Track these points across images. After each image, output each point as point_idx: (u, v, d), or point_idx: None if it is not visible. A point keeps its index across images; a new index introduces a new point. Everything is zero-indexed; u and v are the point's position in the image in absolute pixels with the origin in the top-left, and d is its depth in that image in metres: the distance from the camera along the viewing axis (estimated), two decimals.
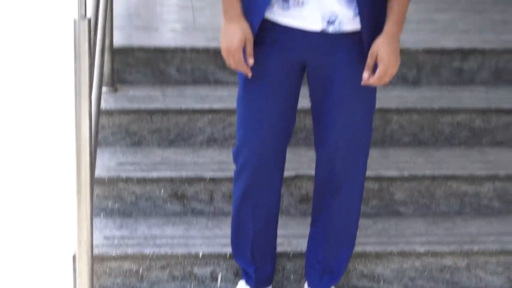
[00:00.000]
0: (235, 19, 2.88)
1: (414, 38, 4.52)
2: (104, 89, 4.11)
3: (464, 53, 4.49)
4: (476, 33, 4.72)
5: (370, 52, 2.87)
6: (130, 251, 3.47)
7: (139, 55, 4.36)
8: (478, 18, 4.97)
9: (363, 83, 2.90)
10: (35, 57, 6.16)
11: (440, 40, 4.58)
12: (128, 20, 4.75)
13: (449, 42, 4.57)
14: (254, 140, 3.05)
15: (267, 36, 2.92)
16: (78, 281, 3.01)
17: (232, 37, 2.88)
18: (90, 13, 3.34)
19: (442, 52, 4.48)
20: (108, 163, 3.83)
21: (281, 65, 2.96)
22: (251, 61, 2.90)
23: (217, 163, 3.86)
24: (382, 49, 2.85)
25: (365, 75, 2.89)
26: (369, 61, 2.88)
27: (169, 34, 4.60)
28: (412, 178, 3.84)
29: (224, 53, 2.92)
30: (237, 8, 2.88)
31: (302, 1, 2.86)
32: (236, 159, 3.12)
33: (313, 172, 3.31)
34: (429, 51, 4.47)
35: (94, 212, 3.67)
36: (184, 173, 3.76)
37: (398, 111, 4.18)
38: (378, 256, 3.54)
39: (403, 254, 3.56)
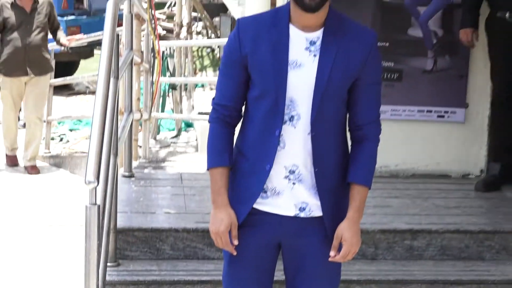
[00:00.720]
0: (222, 208, 2.93)
1: (372, 220, 4.55)
2: (108, 264, 4.10)
3: (414, 233, 4.53)
4: (423, 216, 4.75)
5: (335, 235, 2.91)
6: None
7: (138, 234, 4.39)
8: (425, 203, 5.00)
9: (330, 259, 2.93)
10: (49, 237, 6.14)
11: (393, 222, 4.63)
12: (129, 205, 4.78)
13: (401, 223, 4.61)
14: None
15: (249, 220, 2.95)
16: None
17: (220, 222, 2.92)
18: (99, 200, 3.38)
19: (395, 232, 4.52)
20: None
21: (260, 244, 2.98)
22: (235, 242, 2.94)
23: None
24: (346, 232, 2.90)
25: (332, 253, 2.92)
26: (335, 242, 2.92)
27: (163, 217, 4.63)
28: None
29: (212, 235, 2.95)
30: (224, 198, 2.93)
31: (278, 192, 2.93)
32: None
33: None
34: (384, 231, 4.50)
35: None
36: None
37: (359, 282, 4.22)
38: None
39: None
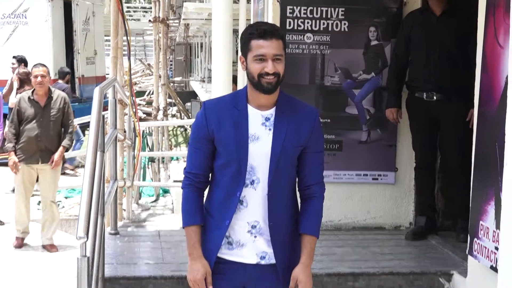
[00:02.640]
0: (198, 259, 2.91)
1: (319, 266, 4.51)
2: None
3: (355, 276, 4.49)
4: (363, 262, 4.72)
5: (292, 277, 2.92)
6: None
7: (123, 282, 4.34)
8: (364, 251, 4.96)
9: None
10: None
11: (338, 267, 4.59)
12: (115, 258, 4.71)
13: (344, 268, 4.57)
14: None
15: (219, 268, 2.94)
16: None
17: (196, 272, 2.90)
18: (89, 253, 3.32)
19: (340, 275, 4.48)
20: None
21: None
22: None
23: None
24: (301, 275, 2.91)
25: None
26: (292, 284, 2.93)
27: (144, 267, 4.56)
28: None
29: (190, 283, 2.93)
30: (198, 251, 2.92)
31: (242, 244, 2.93)
32: None
33: None
34: (330, 275, 4.46)
35: None
36: None
37: None
38: None
39: None
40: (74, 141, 7.66)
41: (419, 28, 5.26)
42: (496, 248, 3.88)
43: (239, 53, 2.95)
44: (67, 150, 7.40)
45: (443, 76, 5.14)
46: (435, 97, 5.19)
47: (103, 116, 4.18)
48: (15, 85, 9.37)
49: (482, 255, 4.04)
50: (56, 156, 6.97)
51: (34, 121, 6.97)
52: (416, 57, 5.28)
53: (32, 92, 7.08)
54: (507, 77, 3.79)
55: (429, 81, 5.19)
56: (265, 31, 2.82)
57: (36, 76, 6.99)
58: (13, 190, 9.47)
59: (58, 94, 7.12)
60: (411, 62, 5.34)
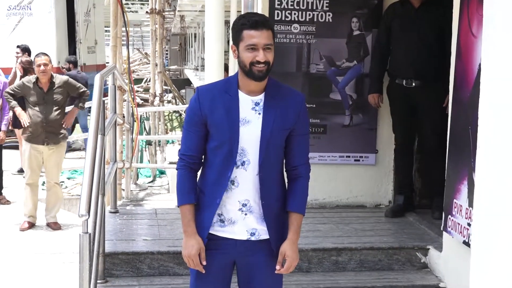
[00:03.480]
0: (192, 236, 2.90)
1: (305, 241, 4.52)
2: (98, 281, 3.99)
3: (339, 251, 4.50)
4: (345, 238, 4.73)
5: (280, 252, 2.91)
6: None
7: (122, 257, 4.32)
8: (346, 227, 4.98)
9: (276, 272, 2.90)
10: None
11: (322, 243, 4.59)
12: (114, 235, 4.70)
13: (328, 243, 4.57)
14: None
15: (211, 244, 2.93)
16: None
17: (191, 248, 2.89)
18: (90, 229, 3.31)
19: (324, 250, 4.49)
20: None
21: (221, 263, 2.95)
22: (204, 263, 2.91)
23: None
24: (288, 250, 2.91)
25: (277, 267, 2.91)
26: (280, 258, 2.92)
27: (142, 243, 4.55)
28: None
29: (185, 259, 2.92)
30: (193, 228, 2.90)
31: (233, 221, 2.92)
32: None
33: None
34: (315, 250, 4.48)
35: None
36: None
37: None
38: None
39: None
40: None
41: (399, 20, 5.26)
42: (469, 225, 3.89)
43: (231, 43, 2.93)
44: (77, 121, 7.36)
45: (421, 64, 5.15)
46: (413, 84, 5.19)
47: (103, 101, 4.15)
48: (18, 73, 9.28)
49: (456, 231, 4.06)
50: (69, 115, 7.00)
51: (38, 106, 6.91)
52: (396, 46, 5.29)
53: (36, 79, 7.02)
54: (479, 65, 3.79)
55: (408, 68, 5.20)
56: (257, 22, 2.80)
57: (39, 65, 6.92)
58: (19, 171, 9.44)
59: (60, 79, 7.07)
60: (391, 51, 5.34)
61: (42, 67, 6.88)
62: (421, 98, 5.19)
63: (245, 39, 2.80)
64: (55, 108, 6.92)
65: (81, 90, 7.11)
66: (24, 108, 6.97)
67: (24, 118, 6.88)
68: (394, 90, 5.34)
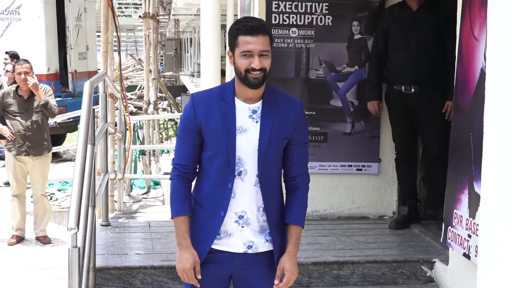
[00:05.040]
0: (187, 249, 2.88)
1: (305, 255, 4.51)
2: None
3: (340, 264, 4.49)
4: (347, 250, 4.73)
5: (278, 266, 2.90)
6: None
7: (114, 272, 4.31)
8: (348, 240, 4.98)
9: (274, 287, 2.89)
10: None
11: (323, 256, 4.59)
12: (106, 249, 4.69)
13: (329, 256, 4.56)
14: None
15: (207, 257, 2.90)
16: None
17: (185, 261, 2.87)
18: (79, 243, 3.30)
19: (325, 263, 4.47)
20: None
21: (217, 277, 2.94)
22: (199, 276, 2.89)
23: None
24: (287, 264, 2.89)
25: (276, 282, 2.89)
26: (278, 272, 2.90)
27: (135, 257, 4.54)
28: None
29: (179, 272, 2.90)
30: (187, 241, 2.88)
31: (229, 233, 2.90)
32: None
33: None
34: (316, 263, 4.46)
35: None
36: None
37: None
38: None
39: None
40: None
41: (397, 23, 5.27)
42: (469, 236, 3.88)
43: (227, 48, 2.93)
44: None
45: (420, 69, 5.15)
46: (413, 89, 5.20)
47: (94, 109, 4.15)
48: (5, 79, 9.30)
49: (456, 243, 4.05)
50: (33, 79, 6.90)
51: (20, 114, 6.92)
52: (394, 51, 5.29)
53: (17, 88, 7.02)
54: (481, 69, 3.79)
55: (407, 74, 5.20)
56: (252, 27, 2.79)
57: (19, 73, 6.92)
58: (6, 183, 9.43)
59: (41, 86, 7.07)
60: (389, 56, 5.34)
61: (22, 75, 6.88)
62: (421, 104, 5.19)
63: (240, 45, 2.80)
64: (36, 116, 6.92)
65: (53, 100, 7.07)
66: (3, 121, 6.97)
67: (6, 131, 6.87)
68: (392, 97, 5.34)
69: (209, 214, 2.88)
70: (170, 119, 18.43)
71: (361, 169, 5.64)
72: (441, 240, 4.26)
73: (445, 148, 4.63)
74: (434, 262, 4.54)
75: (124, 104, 6.98)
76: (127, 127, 7.20)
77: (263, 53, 2.79)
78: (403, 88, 5.22)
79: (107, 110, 5.29)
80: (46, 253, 6.77)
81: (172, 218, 2.93)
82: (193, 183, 2.99)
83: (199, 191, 2.94)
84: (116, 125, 6.99)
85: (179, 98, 18.85)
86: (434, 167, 5.22)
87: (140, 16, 13.90)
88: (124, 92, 6.88)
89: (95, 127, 4.35)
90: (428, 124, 5.20)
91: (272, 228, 2.89)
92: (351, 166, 5.63)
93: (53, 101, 7.05)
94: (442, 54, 4.99)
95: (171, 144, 14.73)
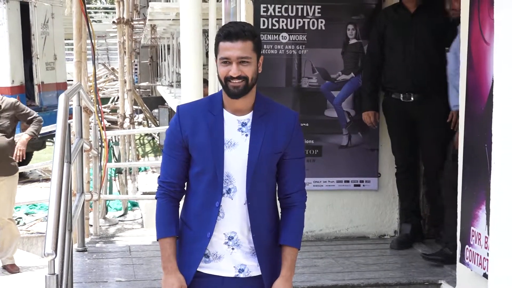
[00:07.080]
0: (173, 273, 2.90)
1: (301, 278, 4.54)
2: None
3: None
4: (346, 273, 4.76)
5: None
6: None
7: None
8: (347, 262, 5.01)
9: None
10: None
11: (320, 280, 4.62)
12: (83, 276, 4.72)
13: (327, 280, 4.61)
14: None
15: (195, 282, 2.91)
16: None
17: (171, 286, 2.88)
18: (57, 270, 3.32)
19: None
20: None
21: None
22: None
23: None
24: None
25: None
26: None
27: (115, 285, 4.59)
28: None
29: None
30: (173, 264, 2.90)
31: (219, 256, 2.92)
32: None
33: None
34: None
35: None
36: None
37: None
38: None
39: None
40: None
41: (393, 26, 5.32)
42: (489, 255, 3.90)
43: (212, 55, 2.97)
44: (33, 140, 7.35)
45: (420, 75, 5.20)
46: (412, 98, 5.25)
47: (68, 124, 4.18)
48: None
49: (475, 263, 4.06)
50: (19, 144, 6.94)
51: None
52: (391, 56, 5.34)
53: None
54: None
55: (405, 81, 5.25)
56: (230, 32, 2.82)
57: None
58: None
59: (7, 102, 7.06)
60: (385, 62, 5.39)
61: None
62: (421, 114, 5.25)
63: (220, 51, 2.84)
64: (1, 135, 6.90)
65: (31, 117, 7.11)
66: None
67: None
68: (390, 106, 5.40)
69: (196, 235, 2.91)
70: (146, 134, 18.43)
71: (359, 185, 5.69)
72: (458, 261, 4.27)
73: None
74: (440, 284, 4.59)
75: (100, 118, 7.01)
76: (103, 143, 7.23)
77: (243, 60, 2.82)
78: (401, 96, 5.28)
79: (81, 125, 5.33)
80: (14, 282, 6.76)
81: (157, 240, 2.97)
82: (181, 202, 3.04)
83: (186, 211, 2.97)
84: (90, 141, 7.02)
85: (156, 110, 18.85)
86: (436, 181, 5.27)
87: (114, 22, 13.95)
88: (99, 105, 6.91)
89: (70, 143, 4.38)
90: (430, 135, 5.25)
91: (260, 252, 2.91)
92: (348, 181, 5.68)
93: (33, 126, 7.11)
94: (443, 59, 5.04)
95: (149, 161, 14.75)
